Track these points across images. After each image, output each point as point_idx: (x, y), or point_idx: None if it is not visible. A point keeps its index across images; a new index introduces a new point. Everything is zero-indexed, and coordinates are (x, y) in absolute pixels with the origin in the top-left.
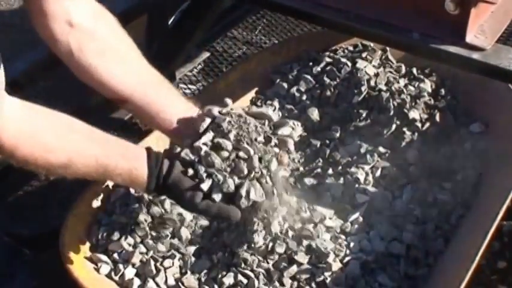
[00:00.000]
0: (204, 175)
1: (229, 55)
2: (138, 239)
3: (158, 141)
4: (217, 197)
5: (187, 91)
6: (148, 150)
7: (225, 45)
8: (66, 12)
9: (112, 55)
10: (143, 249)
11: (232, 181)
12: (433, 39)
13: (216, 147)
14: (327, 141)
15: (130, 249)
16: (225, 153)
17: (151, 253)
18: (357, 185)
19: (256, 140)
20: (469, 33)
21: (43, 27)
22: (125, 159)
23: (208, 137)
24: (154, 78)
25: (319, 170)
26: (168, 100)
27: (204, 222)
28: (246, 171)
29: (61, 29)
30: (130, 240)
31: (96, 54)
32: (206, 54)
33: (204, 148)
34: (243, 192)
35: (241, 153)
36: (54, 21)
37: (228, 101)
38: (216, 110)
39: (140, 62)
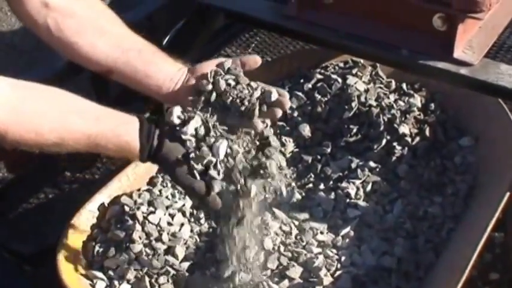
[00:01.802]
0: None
1: None
2: (133, 256)
3: None
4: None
5: None
6: (141, 121)
7: None
8: None
9: (91, 29)
10: (138, 266)
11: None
12: (421, 56)
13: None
14: (318, 157)
15: (125, 265)
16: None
17: (145, 269)
18: (348, 200)
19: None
20: (457, 48)
21: (20, 11)
22: (115, 134)
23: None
24: (137, 45)
25: (310, 185)
26: (153, 65)
27: (198, 238)
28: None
29: (37, 11)
30: (125, 257)
31: (75, 31)
32: None
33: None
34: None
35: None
36: (29, 3)
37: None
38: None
39: (121, 31)
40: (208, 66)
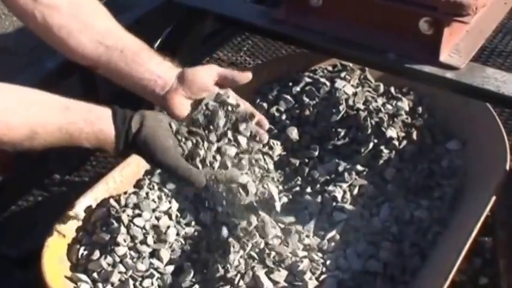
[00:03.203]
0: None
1: None
2: (118, 259)
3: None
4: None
5: None
6: (113, 108)
7: None
8: None
9: (76, 24)
10: (122, 269)
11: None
12: (408, 59)
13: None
14: (306, 160)
15: (110, 268)
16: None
17: (130, 272)
18: (334, 203)
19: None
20: (443, 52)
21: (10, 3)
22: (88, 122)
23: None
24: (121, 42)
25: (297, 188)
26: (136, 64)
27: (183, 241)
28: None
29: (25, 4)
30: (109, 259)
31: (60, 26)
32: None
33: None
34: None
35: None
36: (20, 2)
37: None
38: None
39: (105, 26)
40: (200, 77)
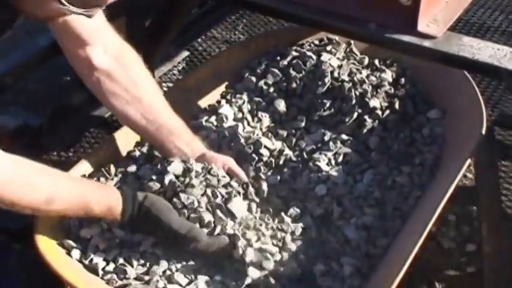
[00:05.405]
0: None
1: (209, 54)
2: (105, 226)
3: (127, 136)
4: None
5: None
6: (120, 187)
7: (204, 44)
8: (87, 56)
9: (126, 97)
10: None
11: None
12: (388, 30)
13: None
14: (293, 131)
15: (99, 236)
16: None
17: (118, 240)
18: (319, 174)
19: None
20: (421, 22)
21: (73, 64)
22: (99, 190)
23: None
24: (160, 120)
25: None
26: (168, 142)
27: None
28: None
29: (85, 70)
30: (99, 227)
31: (111, 94)
32: (186, 54)
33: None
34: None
35: None
36: (80, 62)
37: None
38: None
39: (152, 102)
40: (216, 161)
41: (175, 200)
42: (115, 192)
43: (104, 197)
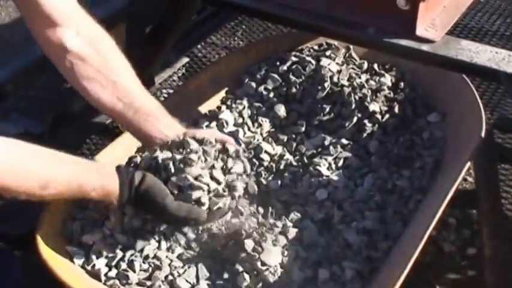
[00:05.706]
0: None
1: (209, 60)
2: (108, 232)
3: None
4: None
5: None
6: (118, 166)
7: (204, 50)
8: (59, 38)
9: (100, 80)
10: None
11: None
12: (387, 34)
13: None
14: (294, 136)
15: (101, 242)
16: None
17: (120, 245)
18: (320, 179)
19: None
20: (419, 26)
21: (45, 49)
22: (96, 174)
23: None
24: (137, 102)
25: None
26: (148, 124)
27: None
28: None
29: (57, 53)
30: (101, 233)
31: (85, 76)
32: (186, 60)
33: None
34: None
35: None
36: (52, 46)
37: None
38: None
39: (128, 85)
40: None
41: (173, 179)
42: (112, 175)
43: (101, 181)
